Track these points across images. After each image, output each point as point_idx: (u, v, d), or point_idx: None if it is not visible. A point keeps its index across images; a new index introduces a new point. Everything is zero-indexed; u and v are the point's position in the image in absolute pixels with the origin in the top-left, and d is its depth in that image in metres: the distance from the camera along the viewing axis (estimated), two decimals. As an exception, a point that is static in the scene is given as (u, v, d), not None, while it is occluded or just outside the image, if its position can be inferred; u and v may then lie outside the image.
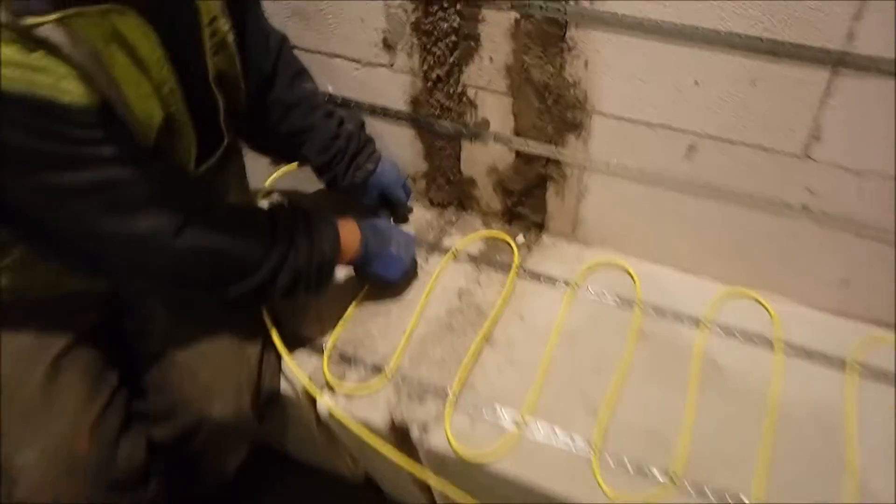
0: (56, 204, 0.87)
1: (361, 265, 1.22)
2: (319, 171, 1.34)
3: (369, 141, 1.36)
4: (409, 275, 1.31)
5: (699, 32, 1.01)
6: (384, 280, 1.26)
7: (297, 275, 1.07)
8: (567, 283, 1.32)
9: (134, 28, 0.84)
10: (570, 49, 1.12)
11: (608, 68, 1.12)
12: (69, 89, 0.77)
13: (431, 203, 1.49)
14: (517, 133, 1.28)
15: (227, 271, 1.02)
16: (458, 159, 1.39)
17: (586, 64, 1.13)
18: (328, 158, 1.30)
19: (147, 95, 0.89)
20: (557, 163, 1.28)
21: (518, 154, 1.31)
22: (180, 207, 0.94)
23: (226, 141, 1.10)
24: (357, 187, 1.35)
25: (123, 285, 1.09)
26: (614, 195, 1.28)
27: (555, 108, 1.20)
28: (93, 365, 1.07)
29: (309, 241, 1.08)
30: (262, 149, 1.36)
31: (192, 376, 1.10)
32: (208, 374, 1.11)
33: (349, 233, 1.17)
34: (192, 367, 1.11)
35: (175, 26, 0.92)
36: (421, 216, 1.49)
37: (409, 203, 1.45)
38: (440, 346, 1.23)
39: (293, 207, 1.13)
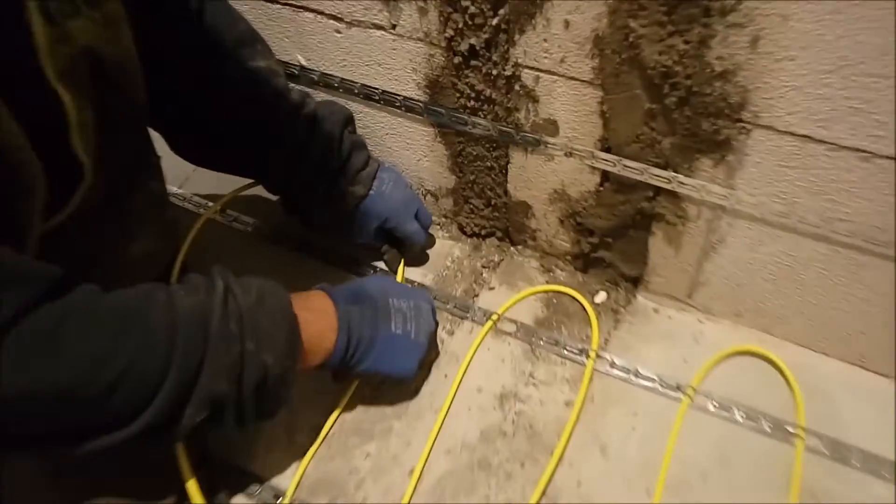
0: None
1: (345, 367, 0.73)
2: (283, 201, 0.84)
3: (358, 148, 0.84)
4: (428, 360, 0.82)
5: None
6: (391, 380, 0.80)
7: (217, 404, 0.60)
8: (679, 388, 0.81)
9: None
10: (723, 13, 0.57)
11: (802, 50, 0.57)
12: None
13: (462, 231, 0.97)
14: (607, 146, 0.74)
15: (82, 423, 0.56)
16: (505, 174, 0.86)
17: (755, 41, 0.58)
18: (293, 184, 0.80)
19: None
20: (675, 196, 0.74)
21: (606, 177, 0.78)
22: None
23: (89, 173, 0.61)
24: (342, 223, 0.84)
25: None
26: (769, 254, 0.74)
27: (681, 113, 0.66)
28: None
29: (238, 346, 0.60)
30: (198, 164, 0.86)
31: None
32: None
33: (317, 318, 0.69)
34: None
35: None
36: (445, 251, 0.97)
37: (428, 235, 0.94)
38: (468, 501, 0.75)
39: (214, 280, 0.64)
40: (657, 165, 0.72)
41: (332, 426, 0.81)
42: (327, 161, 0.81)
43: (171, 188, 1.09)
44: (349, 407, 0.83)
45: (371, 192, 0.85)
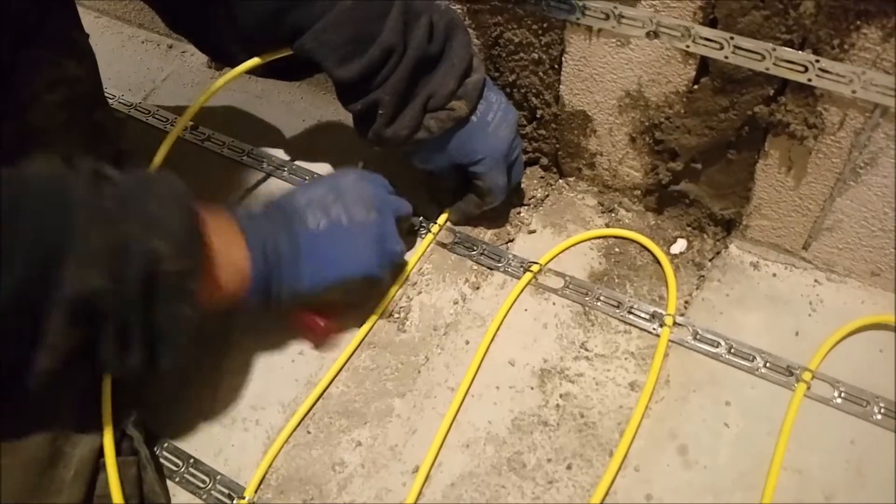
0: None
1: (277, 295, 0.56)
2: (343, 97, 0.61)
3: (456, 29, 0.60)
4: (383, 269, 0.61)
5: None
6: (355, 287, 0.60)
7: (92, 312, 0.43)
8: (791, 370, 0.58)
9: None
10: None
11: None
12: None
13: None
14: (712, 18, 0.51)
15: None
16: (557, 70, 0.63)
17: None
18: (358, 71, 0.57)
19: None
20: (810, 94, 0.52)
21: (704, 69, 0.55)
22: None
23: None
24: (419, 148, 0.63)
25: None
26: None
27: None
28: None
29: (114, 225, 0.43)
30: (208, 46, 0.68)
31: None
32: None
33: (219, 226, 0.53)
34: None
35: None
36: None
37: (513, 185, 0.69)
38: (493, 517, 0.54)
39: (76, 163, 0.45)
40: (788, 44, 0.49)
41: (312, 404, 0.60)
42: (407, 49, 0.56)
43: (132, 99, 0.88)
44: (334, 380, 0.62)
45: (472, 117, 0.61)
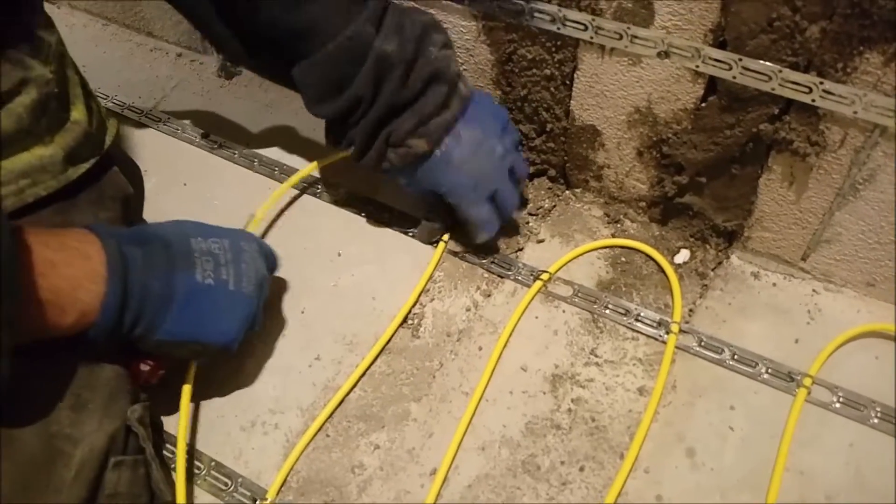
0: None
1: (127, 337, 0.52)
2: (328, 129, 0.66)
3: (438, 79, 0.61)
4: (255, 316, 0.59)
5: None
6: (206, 352, 0.57)
7: None
8: (792, 376, 0.61)
9: None
10: None
11: None
12: None
13: (507, 168, 0.77)
14: (721, 40, 0.54)
15: None
16: (569, 87, 0.65)
17: None
18: (331, 113, 0.61)
19: None
20: (813, 114, 0.54)
21: (712, 88, 0.57)
22: None
23: None
24: (389, 173, 0.66)
25: None
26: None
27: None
28: None
29: None
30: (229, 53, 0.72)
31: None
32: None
33: (68, 258, 0.48)
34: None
35: None
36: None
37: (510, 216, 0.71)
38: (509, 517, 0.56)
39: None
40: (793, 67, 0.52)
41: (334, 409, 0.62)
42: (381, 89, 0.59)
43: (142, 106, 0.89)
44: (352, 385, 0.63)
45: (436, 152, 0.63)
